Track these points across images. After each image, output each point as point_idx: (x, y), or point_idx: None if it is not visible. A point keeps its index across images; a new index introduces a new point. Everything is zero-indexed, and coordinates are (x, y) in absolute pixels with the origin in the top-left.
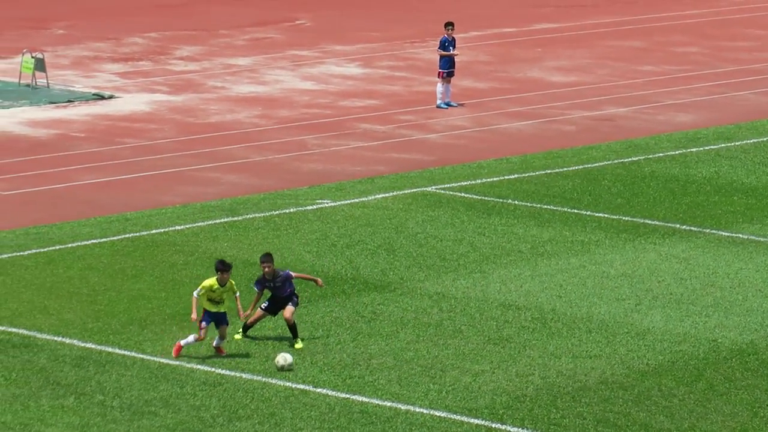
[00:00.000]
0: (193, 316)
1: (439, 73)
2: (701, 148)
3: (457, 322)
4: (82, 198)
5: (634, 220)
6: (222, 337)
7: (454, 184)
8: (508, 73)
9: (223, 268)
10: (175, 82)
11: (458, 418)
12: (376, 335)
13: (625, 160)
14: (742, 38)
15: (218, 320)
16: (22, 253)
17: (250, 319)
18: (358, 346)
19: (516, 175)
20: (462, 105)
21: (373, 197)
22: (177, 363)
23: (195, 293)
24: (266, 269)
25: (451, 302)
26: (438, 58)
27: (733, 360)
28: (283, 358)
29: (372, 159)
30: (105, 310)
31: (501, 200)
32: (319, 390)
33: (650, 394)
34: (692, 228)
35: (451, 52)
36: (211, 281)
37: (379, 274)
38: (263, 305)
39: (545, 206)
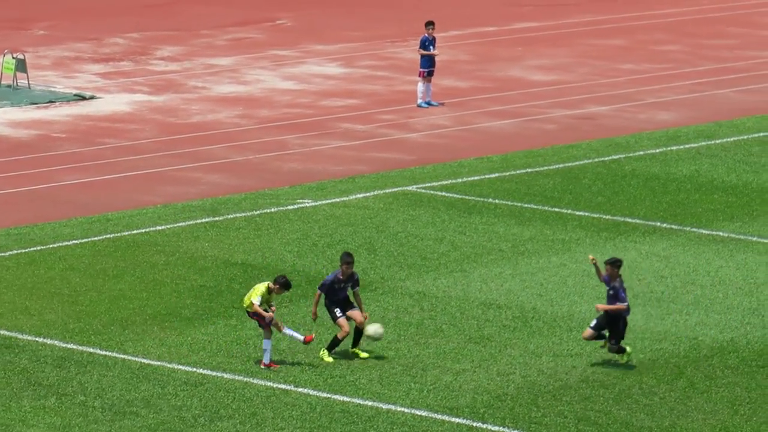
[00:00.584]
0: (270, 315)
1: (420, 72)
2: (682, 147)
3: (438, 321)
4: (63, 198)
5: (615, 218)
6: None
7: (434, 184)
8: (489, 72)
9: (287, 286)
10: (156, 83)
11: (439, 417)
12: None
13: (606, 158)
14: (724, 36)
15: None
16: (3, 254)
17: (341, 334)
18: (339, 346)
19: (497, 174)
20: (443, 104)
21: (353, 197)
22: (158, 363)
23: (257, 302)
24: (347, 269)
25: (432, 301)
26: (419, 57)
27: (714, 358)
28: (375, 330)
29: (353, 158)
30: (86, 310)
31: (482, 199)
32: (300, 389)
33: (631, 392)
34: (673, 226)
35: (432, 51)
36: (265, 289)
37: (360, 274)
38: (339, 314)
39: (526, 205)
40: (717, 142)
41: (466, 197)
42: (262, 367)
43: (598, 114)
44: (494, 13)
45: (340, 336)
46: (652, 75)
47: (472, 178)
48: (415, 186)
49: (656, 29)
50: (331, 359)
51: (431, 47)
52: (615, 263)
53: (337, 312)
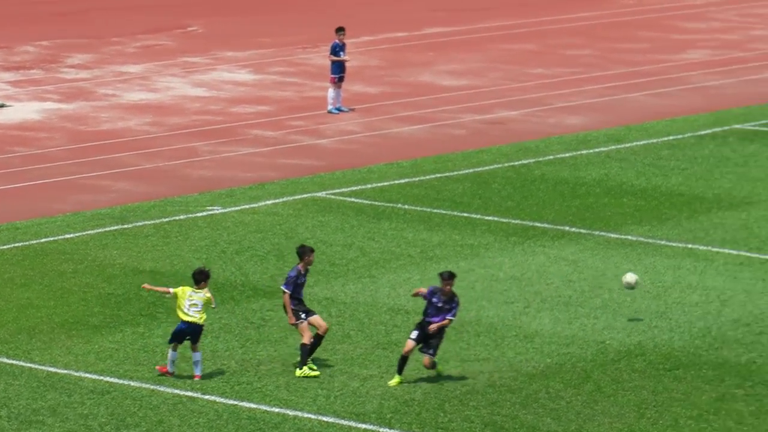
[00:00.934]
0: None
1: (331, 78)
2: (591, 151)
3: (346, 327)
4: None
5: (524, 223)
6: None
7: (344, 189)
8: (400, 77)
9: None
10: (66, 90)
11: (346, 423)
12: (264, 341)
13: (516, 163)
14: (634, 40)
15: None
16: None
17: (307, 340)
18: (246, 353)
19: (406, 180)
20: (353, 110)
21: (263, 203)
22: (65, 371)
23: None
24: (312, 259)
25: (340, 307)
26: (329, 63)
27: (621, 361)
28: (632, 278)
29: (262, 165)
30: None
31: (391, 205)
32: (207, 397)
33: (538, 396)
34: (581, 230)
35: (342, 57)
36: (209, 296)
37: (269, 280)
38: (304, 317)
39: (435, 210)
40: (627, 146)
41: (376, 203)
42: (196, 378)
43: (508, 119)
44: (406, 19)
45: (307, 341)
46: (562, 79)
47: (382, 184)
48: (324, 192)
49: (567, 33)
50: (316, 372)
51: (342, 53)
52: (451, 277)
53: (302, 316)
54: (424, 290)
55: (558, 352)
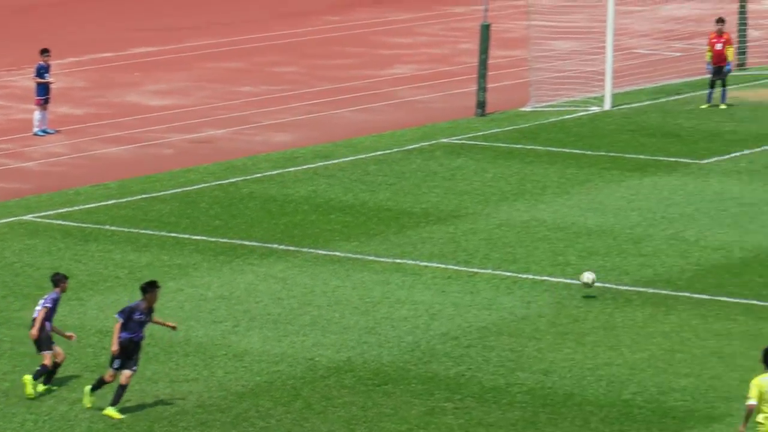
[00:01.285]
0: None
1: (36, 100)
2: (299, 168)
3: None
4: None
5: (232, 241)
6: None
7: (51, 212)
8: (106, 98)
9: None
10: None
11: None
12: None
13: (223, 181)
14: (339, 56)
15: None
16: None
17: (48, 362)
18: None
19: (113, 201)
20: (59, 132)
21: None
22: None
23: None
24: (66, 285)
25: None
26: (34, 85)
27: (330, 378)
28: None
29: None
30: None
31: (98, 226)
32: None
33: (248, 415)
34: (290, 247)
35: (47, 78)
36: None
37: None
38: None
39: (143, 231)
40: (334, 162)
41: (83, 225)
42: None
43: (215, 137)
44: (111, 39)
45: (48, 363)
46: (269, 97)
47: (89, 206)
48: (31, 215)
49: (273, 51)
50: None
51: (47, 75)
52: (157, 285)
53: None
54: (116, 347)
55: (267, 370)
